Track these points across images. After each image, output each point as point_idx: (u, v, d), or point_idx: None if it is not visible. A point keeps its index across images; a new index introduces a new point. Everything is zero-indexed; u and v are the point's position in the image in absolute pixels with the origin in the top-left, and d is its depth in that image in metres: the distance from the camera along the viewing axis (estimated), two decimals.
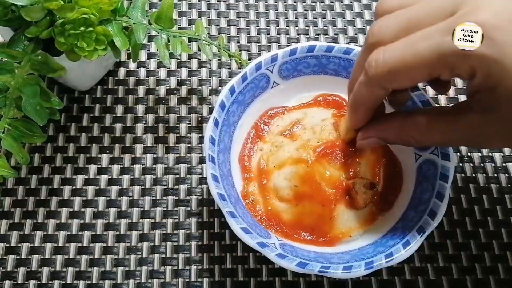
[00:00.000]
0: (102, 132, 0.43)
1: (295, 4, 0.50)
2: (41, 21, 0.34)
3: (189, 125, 0.44)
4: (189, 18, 0.49)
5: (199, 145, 0.43)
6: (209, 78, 0.46)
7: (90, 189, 0.41)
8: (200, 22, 0.42)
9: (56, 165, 0.42)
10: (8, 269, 0.38)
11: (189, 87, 0.46)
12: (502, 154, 0.43)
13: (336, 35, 0.48)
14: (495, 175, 0.42)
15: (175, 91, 0.45)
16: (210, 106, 0.45)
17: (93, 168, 0.42)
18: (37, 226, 0.39)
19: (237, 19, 0.49)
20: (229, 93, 0.37)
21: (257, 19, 0.49)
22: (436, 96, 0.45)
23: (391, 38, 0.27)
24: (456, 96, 0.45)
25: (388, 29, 0.28)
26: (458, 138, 0.30)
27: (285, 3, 0.50)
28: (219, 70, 0.46)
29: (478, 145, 0.32)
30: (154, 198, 0.41)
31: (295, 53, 0.39)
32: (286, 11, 0.49)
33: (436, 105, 0.38)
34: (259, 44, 0.48)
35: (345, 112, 0.39)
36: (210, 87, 0.46)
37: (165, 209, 0.40)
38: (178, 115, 0.44)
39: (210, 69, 0.46)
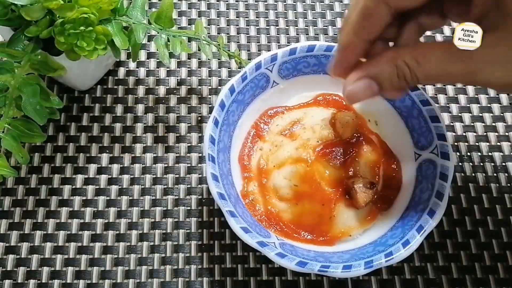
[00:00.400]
0: (102, 132, 0.43)
1: (294, 3, 0.50)
2: (41, 21, 0.34)
3: (189, 124, 0.44)
4: (189, 18, 0.49)
5: (199, 144, 0.43)
6: (209, 78, 0.46)
7: (90, 188, 0.41)
8: (199, 21, 0.42)
9: (56, 164, 0.42)
10: (8, 269, 0.38)
11: (189, 87, 0.46)
12: (501, 154, 0.43)
13: (336, 34, 0.48)
14: (495, 174, 0.42)
15: (175, 91, 0.45)
16: (210, 105, 0.45)
17: (93, 167, 0.42)
18: (37, 225, 0.40)
19: (237, 18, 0.49)
20: (229, 93, 0.37)
21: (257, 19, 0.49)
22: (435, 96, 0.45)
23: None
24: (456, 96, 0.45)
25: None
26: (456, 68, 0.26)
27: (284, 3, 0.50)
28: (219, 69, 0.46)
29: (474, 77, 0.26)
30: (154, 197, 0.41)
31: (295, 52, 0.39)
32: (285, 11, 0.50)
33: (436, 104, 0.38)
34: (258, 43, 0.48)
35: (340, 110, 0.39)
36: (210, 87, 0.46)
37: (165, 208, 0.40)
38: (178, 115, 0.44)
39: (210, 69, 0.46)
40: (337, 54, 0.31)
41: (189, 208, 0.40)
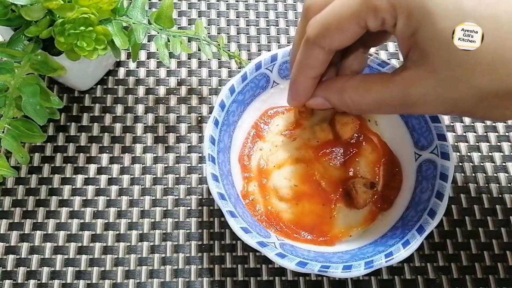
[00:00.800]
0: (102, 132, 0.43)
1: (294, 4, 0.50)
2: (41, 21, 0.34)
3: (189, 124, 0.44)
4: (189, 18, 0.49)
5: (199, 144, 0.43)
6: (209, 78, 0.46)
7: (90, 188, 0.41)
8: (200, 21, 0.42)
9: (56, 164, 0.42)
10: (8, 269, 0.38)
11: (189, 87, 0.46)
12: (502, 154, 0.43)
13: None
14: (495, 174, 0.42)
15: (175, 91, 0.45)
16: (210, 105, 0.45)
17: (93, 167, 0.42)
18: (37, 225, 0.39)
19: (237, 18, 0.49)
20: (229, 93, 0.37)
21: (257, 19, 0.49)
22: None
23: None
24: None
25: None
26: (393, 99, 0.28)
27: (284, 3, 0.50)
28: (219, 69, 0.46)
29: (411, 108, 0.28)
30: (154, 197, 0.41)
31: None
32: (286, 11, 0.50)
33: None
34: (259, 43, 0.48)
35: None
36: (210, 87, 0.46)
37: (165, 208, 0.40)
38: (178, 115, 0.44)
39: (210, 69, 0.46)
40: (290, 87, 0.33)
41: (189, 208, 0.40)
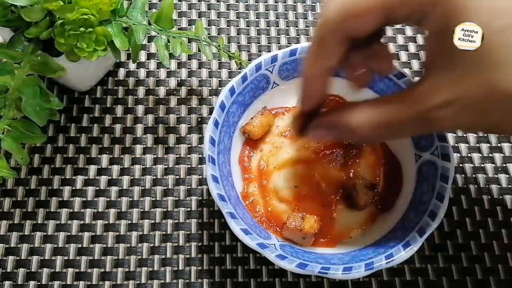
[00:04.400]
0: (102, 133, 0.43)
1: (295, 4, 0.50)
2: (40, 22, 0.34)
3: (189, 125, 0.44)
4: (189, 19, 0.49)
5: (199, 145, 0.43)
6: (209, 79, 0.46)
7: (90, 189, 0.41)
8: (200, 22, 0.42)
9: (56, 165, 0.42)
10: (8, 270, 0.38)
11: (189, 88, 0.46)
12: (502, 155, 0.43)
13: None
14: (496, 175, 0.42)
15: (175, 92, 0.45)
16: (210, 106, 0.45)
17: (93, 168, 0.42)
18: (36, 227, 0.39)
19: (237, 19, 0.49)
20: (229, 94, 0.37)
21: (257, 20, 0.49)
22: None
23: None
24: None
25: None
26: (410, 115, 0.25)
27: (285, 4, 0.50)
28: (219, 70, 0.46)
29: (431, 123, 0.25)
30: (154, 198, 0.41)
31: (295, 53, 0.39)
32: (286, 12, 0.49)
33: None
34: (259, 44, 0.48)
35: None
36: (210, 88, 0.46)
37: (165, 210, 0.40)
38: (178, 116, 0.44)
39: (210, 70, 0.46)
40: (302, 88, 0.31)
41: (189, 209, 0.40)
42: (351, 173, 0.36)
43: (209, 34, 0.48)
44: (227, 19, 0.49)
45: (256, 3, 0.50)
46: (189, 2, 0.50)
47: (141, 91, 0.45)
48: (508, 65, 0.22)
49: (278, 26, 0.49)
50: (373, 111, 0.27)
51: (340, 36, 0.27)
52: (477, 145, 0.43)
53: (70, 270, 0.38)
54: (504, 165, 0.43)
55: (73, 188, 0.41)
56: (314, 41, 0.28)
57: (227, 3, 0.50)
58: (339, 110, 0.29)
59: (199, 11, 0.49)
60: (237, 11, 0.49)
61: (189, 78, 0.46)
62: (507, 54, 0.22)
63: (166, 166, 0.42)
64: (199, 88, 0.46)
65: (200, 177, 0.42)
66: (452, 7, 0.23)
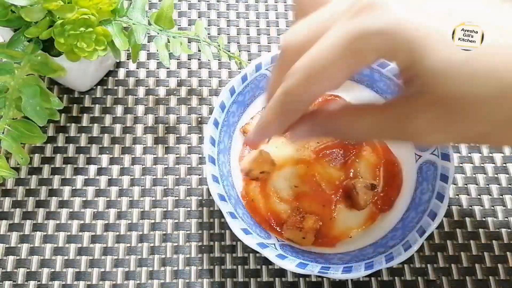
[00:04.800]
0: (102, 133, 0.43)
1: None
2: (40, 22, 0.34)
3: (189, 125, 0.44)
4: (189, 19, 0.49)
5: (199, 145, 0.43)
6: (209, 79, 0.46)
7: (90, 189, 0.41)
8: (200, 22, 0.42)
9: (55, 165, 0.42)
10: (8, 270, 0.38)
11: (189, 88, 0.46)
12: (502, 155, 0.43)
13: None
14: (496, 175, 0.42)
15: (175, 92, 0.45)
16: (210, 106, 0.45)
17: (93, 168, 0.42)
18: (37, 226, 0.39)
19: (237, 19, 0.49)
20: (229, 94, 0.37)
21: (257, 20, 0.49)
22: None
23: (302, 41, 0.25)
24: None
25: (300, 31, 0.26)
26: (390, 127, 0.26)
27: (285, 4, 0.50)
28: (219, 70, 0.46)
29: (410, 138, 0.26)
30: (154, 198, 0.41)
31: None
32: (286, 11, 0.49)
33: None
34: (259, 44, 0.48)
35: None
36: (210, 88, 0.46)
37: (165, 209, 0.40)
38: (178, 116, 0.44)
39: (210, 70, 0.46)
40: (259, 124, 0.29)
41: (189, 209, 0.40)
42: (351, 173, 0.36)
43: (209, 34, 0.48)
44: (227, 19, 0.49)
45: (256, 3, 0.50)
46: (189, 2, 0.50)
47: (141, 91, 0.45)
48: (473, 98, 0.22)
49: (278, 26, 0.49)
50: (357, 118, 0.27)
51: (304, 102, 0.26)
52: (477, 145, 0.43)
53: (70, 270, 0.38)
54: (504, 165, 0.43)
55: (73, 188, 0.41)
56: (276, 103, 0.26)
57: (227, 3, 0.50)
58: (323, 111, 0.29)
59: (199, 11, 0.49)
60: (237, 11, 0.49)
61: (189, 78, 0.46)
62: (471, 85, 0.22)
63: (166, 166, 0.42)
64: (199, 88, 0.46)
65: (200, 177, 0.42)
66: (419, 42, 0.22)
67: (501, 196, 0.41)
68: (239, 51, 0.47)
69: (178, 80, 0.46)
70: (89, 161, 0.42)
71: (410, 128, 0.24)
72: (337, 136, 0.29)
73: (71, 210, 0.40)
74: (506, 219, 0.40)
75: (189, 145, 0.43)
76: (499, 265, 0.39)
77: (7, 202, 0.40)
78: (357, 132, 0.27)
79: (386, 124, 0.26)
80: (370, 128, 0.26)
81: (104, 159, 0.42)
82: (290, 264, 0.32)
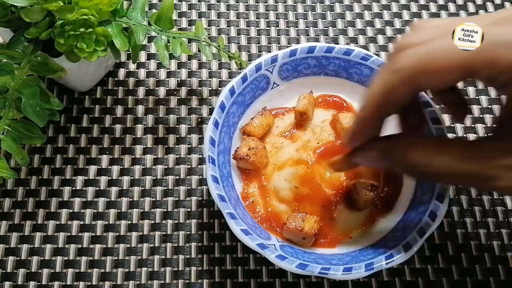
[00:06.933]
0: (102, 133, 0.43)
1: (295, 4, 0.50)
2: (40, 22, 0.34)
3: (189, 126, 0.44)
4: (189, 19, 0.49)
5: (199, 146, 0.43)
6: (209, 79, 0.46)
7: (90, 190, 0.41)
8: (200, 23, 0.42)
9: (55, 166, 0.42)
10: (8, 270, 0.38)
11: (189, 88, 0.46)
12: None
13: (336, 35, 0.48)
14: None
15: (175, 92, 0.45)
16: (210, 107, 0.45)
17: (93, 169, 0.42)
18: (37, 227, 0.39)
19: (237, 19, 0.49)
20: (229, 94, 0.37)
21: (257, 20, 0.49)
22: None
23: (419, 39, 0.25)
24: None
25: (418, 34, 0.26)
26: (469, 168, 0.25)
27: (285, 4, 0.50)
28: (219, 71, 0.46)
29: (487, 182, 0.25)
30: (154, 199, 0.41)
31: (295, 54, 0.39)
32: (286, 12, 0.49)
33: (437, 106, 0.37)
34: (259, 45, 0.48)
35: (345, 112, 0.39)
36: (210, 88, 0.46)
37: (165, 210, 0.40)
38: (178, 116, 0.44)
39: (210, 70, 0.46)
40: (355, 126, 0.30)
41: (189, 209, 0.40)
42: (351, 174, 0.36)
43: (209, 34, 0.48)
44: (227, 19, 0.49)
45: (256, 3, 0.50)
46: (189, 3, 0.50)
47: (141, 92, 0.45)
48: None
49: (278, 26, 0.49)
50: (435, 154, 0.26)
51: (411, 87, 0.26)
52: None
53: (70, 271, 0.38)
54: None
55: (73, 188, 0.41)
56: (381, 84, 0.27)
57: (227, 4, 0.50)
58: (398, 141, 0.29)
59: (199, 11, 0.49)
60: (237, 12, 0.49)
61: (189, 79, 0.46)
62: None
63: (166, 167, 0.42)
64: (199, 88, 0.46)
65: (200, 177, 0.42)
66: None
67: (501, 197, 0.41)
68: (239, 52, 0.47)
69: (178, 80, 0.46)
70: (89, 161, 0.42)
71: (496, 168, 0.24)
72: (406, 169, 0.29)
73: (71, 210, 0.40)
74: (506, 219, 0.40)
75: (189, 146, 0.43)
76: (499, 266, 0.39)
77: (7, 202, 0.40)
78: (433, 166, 0.26)
79: (470, 161, 0.25)
80: (449, 163, 0.26)
81: (104, 159, 0.42)
82: (290, 265, 0.32)
